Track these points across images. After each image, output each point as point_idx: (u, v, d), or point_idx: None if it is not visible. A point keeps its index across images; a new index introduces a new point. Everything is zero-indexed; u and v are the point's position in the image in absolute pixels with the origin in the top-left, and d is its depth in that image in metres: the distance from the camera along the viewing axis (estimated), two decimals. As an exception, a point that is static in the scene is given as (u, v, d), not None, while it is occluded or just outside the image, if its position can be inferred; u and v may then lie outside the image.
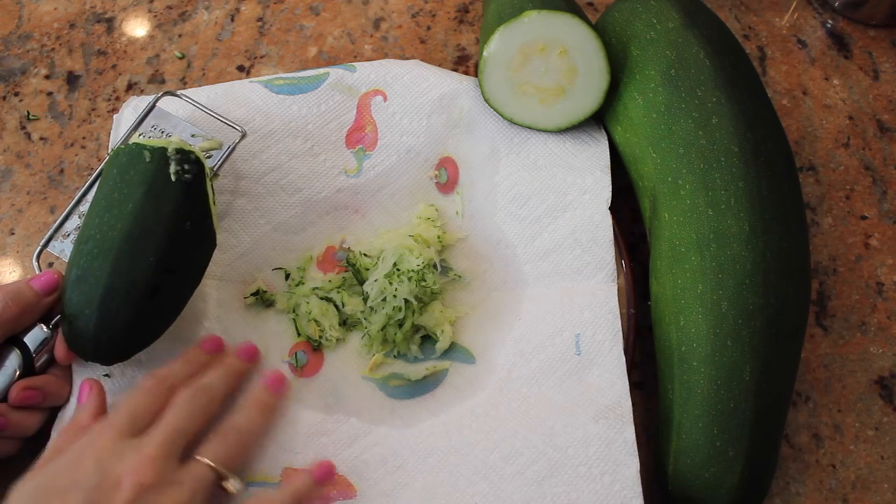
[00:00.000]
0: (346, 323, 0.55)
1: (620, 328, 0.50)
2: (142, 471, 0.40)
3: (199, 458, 0.43)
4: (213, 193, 0.49)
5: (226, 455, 0.44)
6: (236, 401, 0.48)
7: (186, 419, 0.44)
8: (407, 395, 0.52)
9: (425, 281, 0.53)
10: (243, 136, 0.54)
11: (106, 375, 0.48)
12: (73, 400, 0.47)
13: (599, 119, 0.57)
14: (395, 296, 0.52)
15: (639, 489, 0.45)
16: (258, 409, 0.48)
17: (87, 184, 0.52)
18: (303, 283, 0.55)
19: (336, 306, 0.54)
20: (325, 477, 0.47)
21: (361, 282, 0.54)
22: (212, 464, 0.43)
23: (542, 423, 0.47)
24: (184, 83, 0.65)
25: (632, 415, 0.47)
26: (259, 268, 0.55)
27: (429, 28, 0.68)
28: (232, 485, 0.43)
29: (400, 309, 0.52)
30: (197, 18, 0.69)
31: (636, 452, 0.46)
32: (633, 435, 0.46)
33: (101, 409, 0.46)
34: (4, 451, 0.46)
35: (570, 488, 0.45)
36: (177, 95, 0.55)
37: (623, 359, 0.49)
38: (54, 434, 0.47)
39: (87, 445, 0.42)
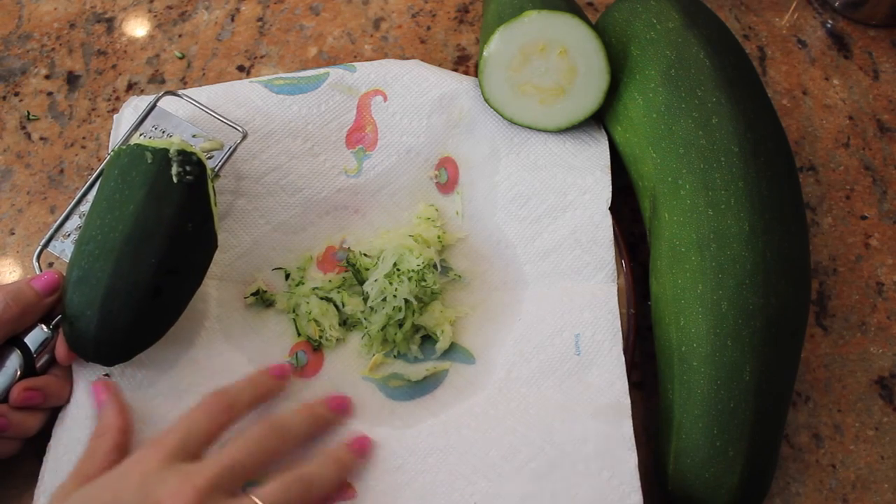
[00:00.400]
0: (346, 323, 0.55)
1: (620, 328, 0.50)
2: (183, 499, 0.39)
3: (254, 497, 0.41)
4: (215, 195, 0.49)
5: (283, 503, 0.41)
6: (310, 450, 0.46)
7: (249, 457, 0.42)
8: (407, 397, 0.52)
9: (425, 281, 0.53)
10: (244, 136, 0.54)
11: (106, 375, 0.48)
12: (74, 400, 0.47)
13: (599, 119, 0.57)
14: (395, 296, 0.52)
15: (637, 484, 0.45)
16: (335, 468, 0.44)
17: (88, 184, 0.52)
18: (303, 283, 0.55)
19: (336, 306, 0.54)
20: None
21: (361, 282, 0.54)
22: None
23: (541, 421, 0.47)
24: (184, 83, 0.65)
25: (630, 410, 0.47)
26: (259, 268, 0.55)
27: (429, 28, 0.68)
28: None
29: (400, 309, 0.52)
30: (197, 18, 0.69)
31: (634, 447, 0.46)
32: (631, 430, 0.46)
33: (123, 407, 0.45)
34: (5, 451, 0.46)
35: (569, 484, 0.45)
36: (177, 95, 0.55)
37: (623, 359, 0.49)
38: (56, 432, 0.47)
39: (135, 463, 0.41)
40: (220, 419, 0.44)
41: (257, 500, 0.41)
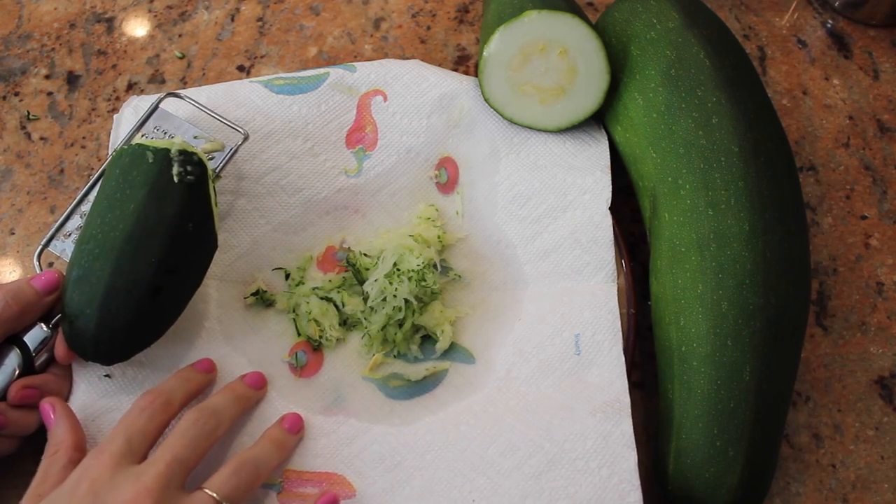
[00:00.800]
0: (346, 323, 0.55)
1: (620, 328, 0.50)
2: (140, 503, 0.39)
3: (206, 490, 0.41)
4: (216, 195, 0.49)
5: (235, 489, 0.42)
6: (242, 429, 0.47)
7: (189, 446, 0.42)
8: (406, 396, 0.52)
9: (425, 281, 0.53)
10: (245, 138, 0.54)
11: (106, 376, 0.48)
12: (73, 400, 0.47)
13: (599, 119, 0.57)
14: (395, 296, 0.52)
15: (637, 482, 0.45)
16: (275, 447, 0.46)
17: (89, 184, 0.52)
18: (303, 283, 0.55)
19: (336, 306, 0.54)
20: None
21: (361, 282, 0.54)
22: (217, 497, 0.41)
23: (540, 419, 0.47)
24: (184, 83, 0.65)
25: (629, 408, 0.47)
26: (259, 268, 0.55)
27: (429, 28, 0.68)
28: None
29: (400, 309, 0.52)
30: (197, 18, 0.69)
31: (634, 445, 0.46)
32: (631, 428, 0.46)
33: (75, 423, 0.45)
34: (4, 449, 0.46)
35: (568, 482, 0.45)
36: (179, 96, 0.55)
37: (622, 358, 0.49)
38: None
39: (83, 472, 0.41)
40: (159, 419, 0.44)
41: (209, 492, 0.41)
